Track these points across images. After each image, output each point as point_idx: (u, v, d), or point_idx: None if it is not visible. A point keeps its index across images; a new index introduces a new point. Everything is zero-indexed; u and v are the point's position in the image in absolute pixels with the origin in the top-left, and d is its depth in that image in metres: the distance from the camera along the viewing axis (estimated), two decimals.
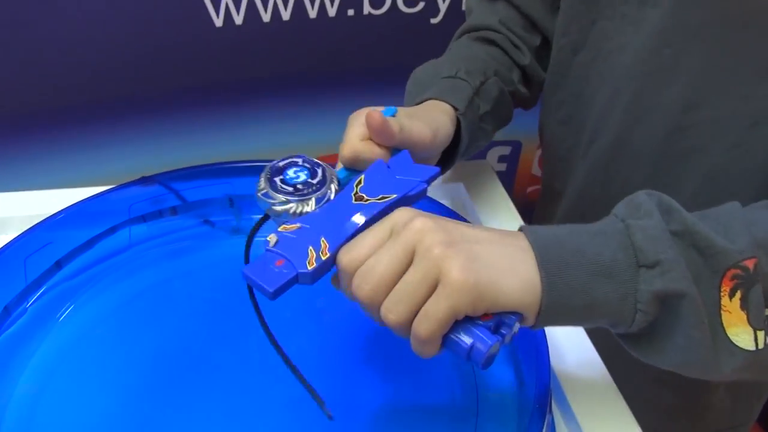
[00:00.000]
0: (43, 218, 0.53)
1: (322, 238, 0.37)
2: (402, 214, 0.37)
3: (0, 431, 0.43)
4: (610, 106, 0.57)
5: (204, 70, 0.91)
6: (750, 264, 0.35)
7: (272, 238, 0.38)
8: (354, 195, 0.40)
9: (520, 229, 0.37)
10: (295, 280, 0.36)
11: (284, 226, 0.39)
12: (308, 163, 0.42)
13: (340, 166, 0.45)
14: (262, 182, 0.41)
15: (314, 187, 0.41)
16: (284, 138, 0.99)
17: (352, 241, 0.37)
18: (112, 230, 0.57)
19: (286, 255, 0.37)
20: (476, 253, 0.35)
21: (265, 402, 0.46)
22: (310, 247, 0.37)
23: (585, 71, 0.59)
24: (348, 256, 0.36)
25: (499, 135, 1.07)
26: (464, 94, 0.56)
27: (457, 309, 0.34)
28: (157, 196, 0.59)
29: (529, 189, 1.20)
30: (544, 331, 0.44)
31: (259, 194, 0.41)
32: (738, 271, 0.35)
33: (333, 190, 0.41)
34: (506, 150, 1.10)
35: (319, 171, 0.42)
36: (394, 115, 0.46)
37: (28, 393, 0.46)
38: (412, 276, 0.34)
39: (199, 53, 0.89)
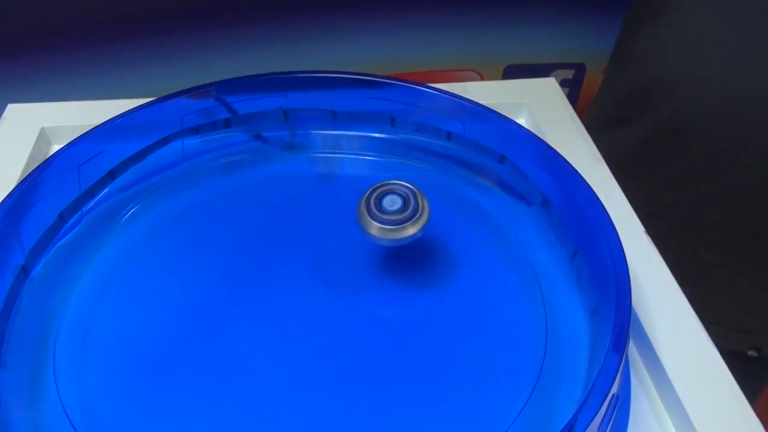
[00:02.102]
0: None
1: None
2: None
3: (59, 337, 0.43)
4: None
5: None
6: None
7: None
8: None
9: None
10: None
11: None
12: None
13: None
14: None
15: None
16: (341, 55, 0.95)
17: None
18: (165, 141, 0.56)
19: None
20: None
21: (311, 320, 0.45)
22: None
23: None
24: None
25: (562, 57, 1.02)
26: None
27: None
28: (209, 108, 0.57)
29: None
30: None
31: None
32: None
33: None
34: (569, 73, 1.04)
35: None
36: None
37: (85, 300, 0.46)
38: None
39: None
